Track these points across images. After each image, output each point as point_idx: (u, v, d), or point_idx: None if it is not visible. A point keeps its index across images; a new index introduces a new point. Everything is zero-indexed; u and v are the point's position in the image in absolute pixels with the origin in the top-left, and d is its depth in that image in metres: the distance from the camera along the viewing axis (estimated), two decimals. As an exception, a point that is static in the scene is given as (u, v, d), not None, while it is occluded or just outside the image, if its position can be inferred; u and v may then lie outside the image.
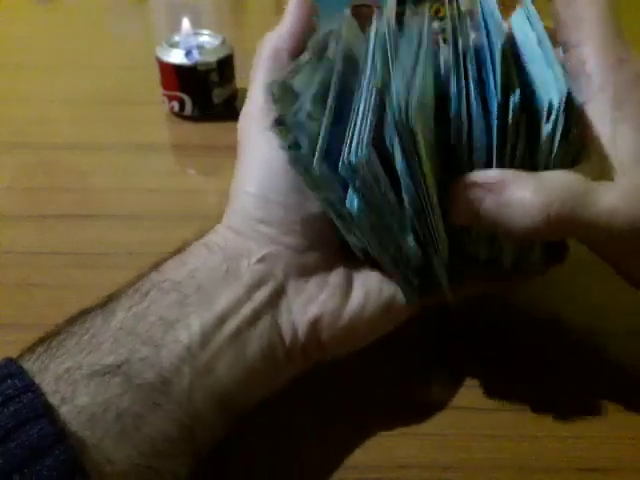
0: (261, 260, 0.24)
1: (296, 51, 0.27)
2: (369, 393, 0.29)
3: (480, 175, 0.23)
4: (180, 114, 0.51)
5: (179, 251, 0.25)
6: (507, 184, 0.22)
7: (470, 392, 0.29)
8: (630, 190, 0.22)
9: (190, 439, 0.22)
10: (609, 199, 0.22)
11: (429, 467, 0.26)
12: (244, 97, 0.55)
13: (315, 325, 0.24)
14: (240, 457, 0.25)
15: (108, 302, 0.23)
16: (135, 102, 0.54)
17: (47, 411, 0.19)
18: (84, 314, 0.22)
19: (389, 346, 0.29)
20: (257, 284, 0.24)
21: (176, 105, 0.50)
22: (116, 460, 0.19)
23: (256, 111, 0.26)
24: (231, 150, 0.52)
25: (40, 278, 0.35)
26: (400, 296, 0.26)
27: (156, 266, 0.24)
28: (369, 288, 0.26)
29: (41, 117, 0.51)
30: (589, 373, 0.30)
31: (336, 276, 0.26)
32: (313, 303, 0.25)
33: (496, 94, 0.22)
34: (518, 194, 0.22)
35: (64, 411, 0.19)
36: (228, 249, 0.24)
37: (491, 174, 0.22)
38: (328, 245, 0.26)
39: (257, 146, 0.25)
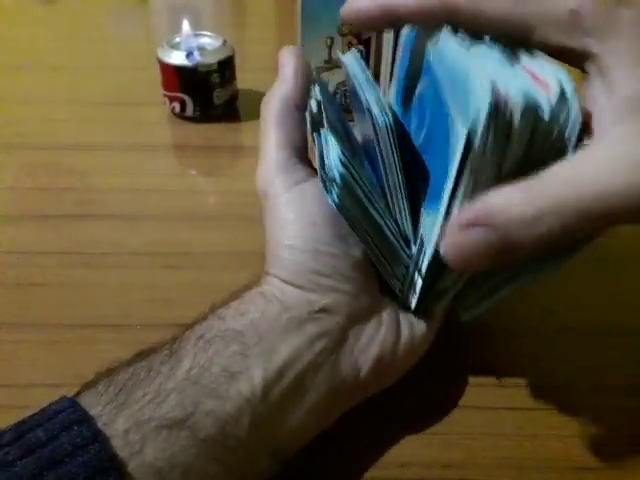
0: (323, 310, 0.24)
1: (303, 103, 0.27)
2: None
3: (462, 213, 0.20)
4: (181, 115, 0.51)
5: (236, 296, 0.25)
6: (493, 208, 0.19)
7: (471, 391, 0.29)
8: (607, 157, 0.19)
9: None
10: (593, 178, 0.19)
11: (430, 465, 0.26)
12: (245, 98, 0.56)
13: (377, 363, 0.25)
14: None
15: (174, 346, 0.23)
16: (136, 103, 0.54)
17: (114, 464, 0.19)
18: (149, 355, 0.23)
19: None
20: (318, 334, 0.24)
21: (177, 106, 0.50)
22: None
23: (278, 167, 0.26)
24: (232, 150, 0.52)
25: (41, 278, 0.35)
26: (431, 322, 0.27)
27: (216, 311, 0.24)
28: (412, 318, 0.27)
29: (42, 118, 0.51)
30: (588, 372, 0.30)
31: (387, 314, 0.26)
32: (373, 343, 0.25)
33: None
34: (514, 212, 0.19)
35: (133, 466, 0.19)
36: (287, 301, 0.24)
37: (470, 208, 0.20)
38: (375, 285, 0.26)
39: (291, 202, 0.26)
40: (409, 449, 0.27)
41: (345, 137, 0.25)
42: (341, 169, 0.23)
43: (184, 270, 0.36)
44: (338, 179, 0.23)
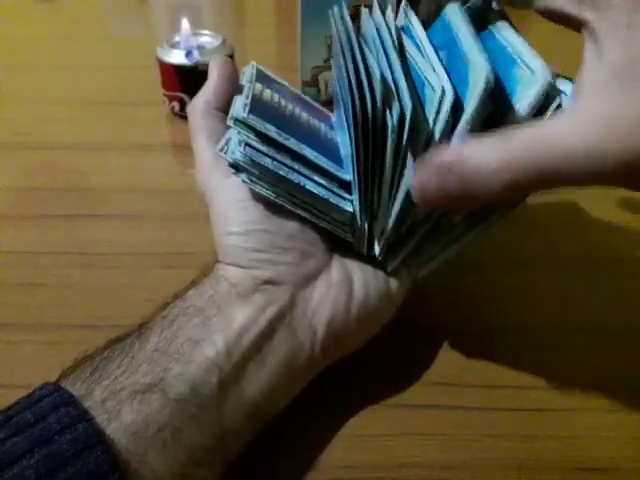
0: (267, 282, 0.26)
1: (224, 107, 0.29)
2: (369, 393, 0.29)
3: (435, 155, 0.22)
4: (180, 114, 0.51)
5: (194, 283, 0.27)
6: (466, 155, 0.21)
7: (470, 392, 0.29)
8: (585, 119, 0.20)
9: (222, 448, 0.23)
10: (564, 137, 0.20)
11: (429, 466, 0.26)
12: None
13: (331, 323, 0.26)
14: (239, 456, 0.25)
15: (142, 329, 0.25)
16: (135, 102, 0.54)
17: (101, 439, 0.20)
18: (121, 339, 0.24)
19: (389, 345, 0.30)
20: (267, 302, 0.25)
21: (176, 105, 0.50)
22: (159, 471, 0.21)
23: (209, 165, 0.28)
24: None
25: (41, 278, 0.35)
26: (393, 281, 0.28)
27: (178, 296, 0.26)
28: (367, 277, 0.28)
29: (42, 117, 0.51)
30: (588, 372, 0.30)
31: (337, 273, 0.27)
32: (324, 303, 0.26)
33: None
34: (481, 161, 0.21)
35: (111, 429, 0.21)
36: (233, 279, 0.26)
37: (446, 150, 0.22)
38: (319, 249, 0.27)
39: (224, 192, 0.27)
40: (409, 450, 0.27)
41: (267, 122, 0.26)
42: (240, 148, 0.25)
43: (184, 270, 0.36)
44: (240, 157, 0.25)
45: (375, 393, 0.29)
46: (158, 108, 0.52)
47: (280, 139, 0.25)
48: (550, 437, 0.27)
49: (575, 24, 0.23)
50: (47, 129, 0.50)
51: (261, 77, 0.30)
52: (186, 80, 0.49)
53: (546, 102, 0.23)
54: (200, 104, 0.30)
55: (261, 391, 0.24)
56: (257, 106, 0.26)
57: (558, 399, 0.29)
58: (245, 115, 0.25)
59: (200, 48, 0.49)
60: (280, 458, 0.26)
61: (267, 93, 0.29)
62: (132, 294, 0.34)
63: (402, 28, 0.29)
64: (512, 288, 0.35)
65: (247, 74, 0.30)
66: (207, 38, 0.52)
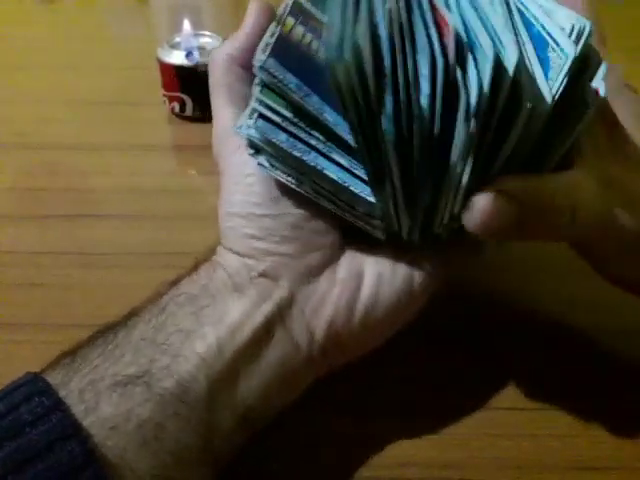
0: (262, 274, 0.24)
1: (248, 62, 0.24)
2: (368, 392, 0.29)
3: (506, 183, 0.21)
4: (181, 115, 0.51)
5: (192, 269, 0.25)
6: (536, 191, 0.22)
7: (470, 391, 0.29)
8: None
9: (209, 449, 0.22)
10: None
11: (429, 465, 0.26)
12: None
13: (331, 325, 0.24)
14: (238, 457, 0.25)
15: (130, 317, 0.23)
16: (136, 103, 0.54)
17: (76, 431, 0.19)
18: (108, 329, 0.23)
19: (389, 345, 0.29)
20: (263, 297, 0.23)
21: (177, 106, 0.50)
22: (138, 470, 0.20)
23: (225, 131, 0.25)
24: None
25: (41, 278, 0.35)
26: (417, 278, 0.25)
27: (174, 283, 0.25)
28: (381, 271, 0.24)
29: (42, 117, 0.51)
30: (588, 372, 0.30)
31: (344, 268, 0.24)
32: (326, 303, 0.24)
33: None
34: (549, 202, 0.22)
35: (88, 422, 0.20)
36: (229, 268, 0.24)
37: (515, 182, 0.21)
38: (327, 241, 0.24)
39: (232, 166, 0.25)
40: (408, 449, 0.27)
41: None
42: (252, 121, 0.22)
43: (184, 270, 0.36)
44: (253, 133, 0.22)
45: (374, 393, 0.29)
46: (158, 108, 0.52)
47: (299, 95, 0.21)
48: (550, 436, 0.27)
49: None
50: (47, 129, 0.50)
51: (296, 10, 0.23)
52: (186, 81, 0.49)
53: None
54: (222, 58, 0.26)
55: (253, 392, 0.23)
56: (281, 49, 0.22)
57: (558, 398, 0.29)
58: (264, 57, 0.21)
59: (200, 49, 0.49)
60: (279, 458, 0.26)
61: (299, 31, 0.23)
62: (132, 294, 0.34)
63: None
64: (511, 287, 0.35)
65: (282, 6, 0.23)
66: (207, 39, 0.52)
